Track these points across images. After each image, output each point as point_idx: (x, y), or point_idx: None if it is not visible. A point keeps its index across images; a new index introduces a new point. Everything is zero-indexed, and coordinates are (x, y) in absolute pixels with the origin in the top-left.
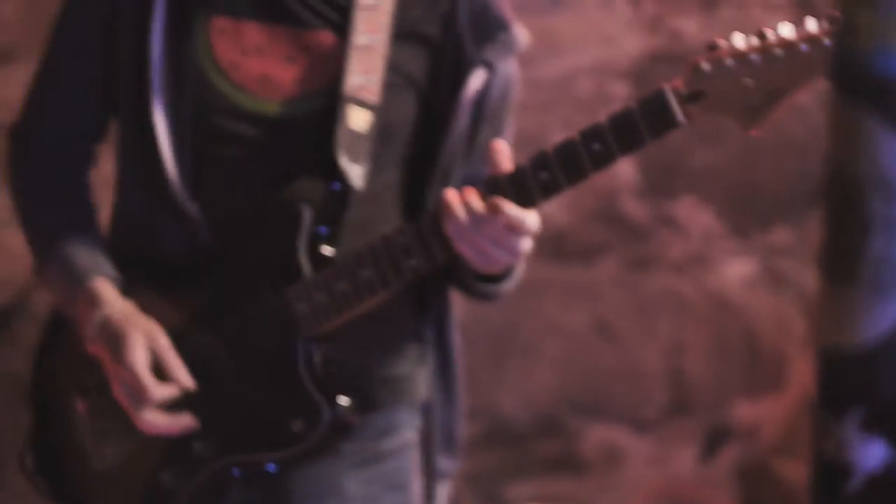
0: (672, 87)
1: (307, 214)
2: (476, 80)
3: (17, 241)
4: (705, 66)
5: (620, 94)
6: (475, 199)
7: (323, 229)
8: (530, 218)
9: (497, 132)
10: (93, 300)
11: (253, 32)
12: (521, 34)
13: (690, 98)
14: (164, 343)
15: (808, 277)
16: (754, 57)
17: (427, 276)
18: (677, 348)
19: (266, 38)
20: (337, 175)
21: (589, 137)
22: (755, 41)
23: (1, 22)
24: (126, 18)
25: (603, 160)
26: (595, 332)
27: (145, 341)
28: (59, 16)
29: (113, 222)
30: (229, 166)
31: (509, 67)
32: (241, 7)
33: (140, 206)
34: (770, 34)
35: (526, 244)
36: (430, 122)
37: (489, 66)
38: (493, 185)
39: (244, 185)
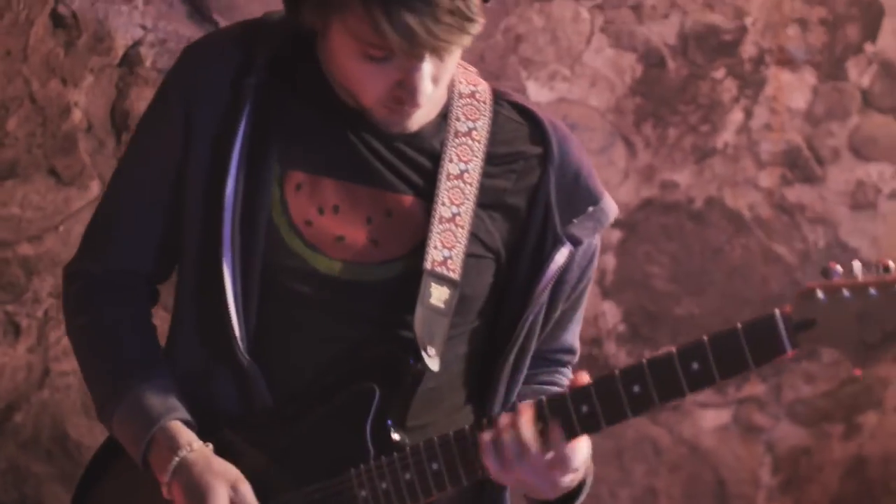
0: (782, 313)
1: (377, 396)
2: (561, 257)
3: (6, 357)
4: (820, 294)
5: (612, 241)
6: (526, 426)
7: (391, 412)
8: (579, 455)
9: (574, 306)
10: (170, 443)
11: (331, 190)
12: (611, 206)
13: (800, 326)
14: (246, 490)
15: (779, 430)
16: (873, 292)
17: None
18: (651, 493)
19: (344, 197)
20: (412, 352)
21: (688, 356)
22: (876, 275)
23: (5, 136)
24: (199, 167)
25: (700, 383)
26: None
27: (228, 491)
28: (126, 157)
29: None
30: (296, 328)
31: (592, 243)
32: (320, 163)
33: (197, 357)
34: (893, 268)
35: (568, 480)
36: (509, 295)
37: (575, 243)
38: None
39: (311, 349)
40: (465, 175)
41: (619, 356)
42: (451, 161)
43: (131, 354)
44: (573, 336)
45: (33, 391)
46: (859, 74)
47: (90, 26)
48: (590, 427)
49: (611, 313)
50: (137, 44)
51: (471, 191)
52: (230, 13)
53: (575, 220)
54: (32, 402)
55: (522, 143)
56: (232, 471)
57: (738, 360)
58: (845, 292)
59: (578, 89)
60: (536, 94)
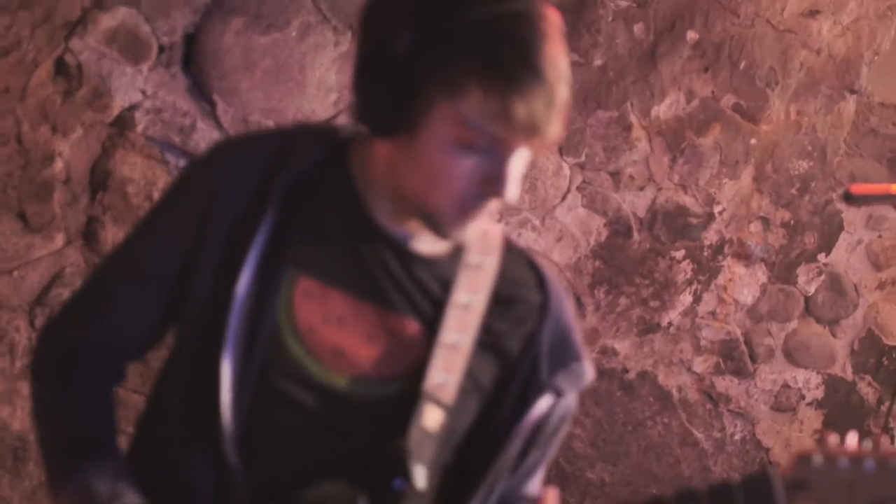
0: (776, 472)
1: None
2: (543, 404)
3: None
4: (817, 458)
5: None
6: None
7: None
8: None
9: (543, 456)
10: None
11: (338, 302)
12: (590, 370)
13: (793, 486)
14: None
15: None
16: (869, 463)
17: None
18: None
19: (350, 311)
20: (400, 472)
21: (684, 500)
22: (872, 446)
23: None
24: (211, 261)
25: None
26: None
27: None
28: (136, 233)
29: (136, 447)
30: (285, 432)
31: (570, 399)
32: (332, 274)
33: (178, 443)
34: (887, 442)
35: None
36: (487, 434)
37: (558, 394)
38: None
39: (297, 454)
40: (471, 307)
41: None
42: (460, 291)
43: (89, 434)
44: (536, 484)
45: None
46: (807, 282)
47: (92, 80)
48: None
49: None
50: (134, 107)
51: (474, 322)
52: (229, 96)
53: (559, 373)
54: None
55: (526, 289)
56: None
57: None
58: (842, 460)
59: (545, 241)
60: None
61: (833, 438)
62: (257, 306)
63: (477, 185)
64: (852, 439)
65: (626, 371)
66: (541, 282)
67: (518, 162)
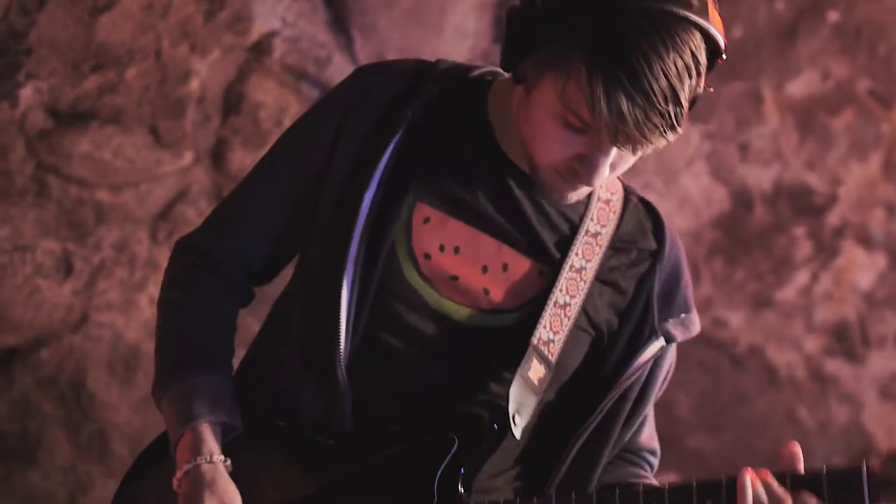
0: (869, 469)
1: (455, 449)
2: (653, 349)
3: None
4: None
5: None
6: (776, 485)
7: (463, 469)
8: None
9: (653, 405)
10: (194, 446)
11: (457, 231)
12: (697, 322)
13: (882, 483)
14: None
15: None
16: None
17: None
18: None
19: (468, 240)
20: (499, 418)
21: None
22: None
23: (120, 83)
24: (338, 179)
25: None
26: None
27: None
28: (272, 151)
29: (249, 364)
30: (396, 357)
31: (674, 351)
32: (454, 203)
33: (293, 364)
34: None
35: None
36: (595, 376)
37: (668, 340)
38: (796, 481)
39: (405, 384)
40: (583, 272)
41: None
42: (576, 255)
43: (203, 346)
44: (653, 438)
45: (66, 333)
46: None
47: (235, 3)
48: None
49: None
50: (273, 34)
51: (584, 287)
52: (368, 32)
53: (670, 320)
54: (63, 342)
55: (643, 234)
56: (231, 496)
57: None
58: None
59: (666, 207)
60: None
61: None
62: (378, 228)
63: (572, 161)
64: None
65: (735, 343)
66: (658, 229)
67: (613, 157)
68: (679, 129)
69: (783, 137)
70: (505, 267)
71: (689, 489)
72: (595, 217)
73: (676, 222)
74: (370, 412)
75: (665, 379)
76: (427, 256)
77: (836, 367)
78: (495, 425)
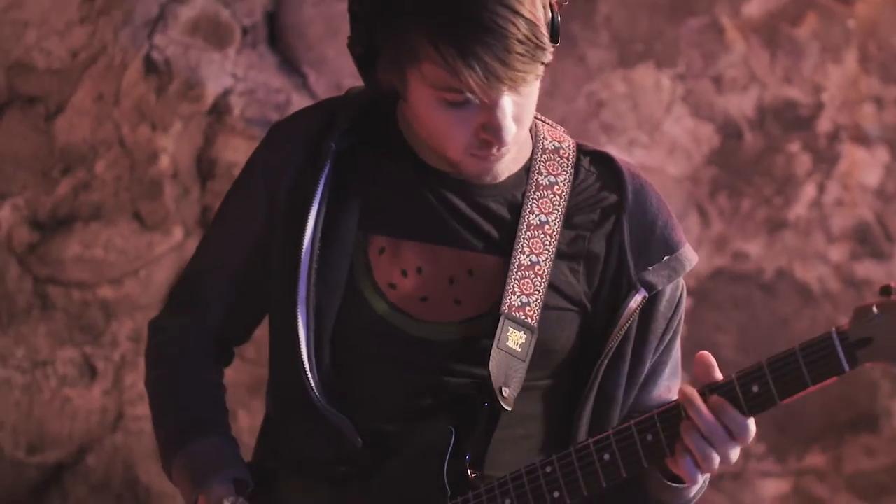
0: (838, 331)
1: (453, 437)
2: (634, 303)
3: (81, 398)
4: (875, 311)
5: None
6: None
7: (468, 454)
8: (751, 425)
9: (664, 359)
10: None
11: (413, 252)
12: (689, 256)
13: (857, 344)
14: None
15: (838, 502)
16: None
17: None
18: None
19: (427, 258)
20: (486, 394)
21: (747, 378)
22: None
23: (93, 179)
24: (280, 230)
25: (761, 405)
26: None
27: None
28: (214, 223)
29: (266, 420)
30: (373, 379)
31: (673, 286)
32: (402, 226)
33: (287, 410)
34: None
35: (736, 454)
36: (589, 344)
37: (650, 289)
38: (713, 390)
39: (389, 397)
40: (546, 227)
41: None
42: (531, 212)
43: (189, 414)
44: (668, 391)
45: (107, 434)
46: None
47: (182, 73)
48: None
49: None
50: (227, 92)
51: (551, 242)
52: (319, 66)
53: (650, 268)
54: (105, 445)
55: (600, 190)
56: None
57: (796, 381)
58: None
59: (657, 157)
60: None
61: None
62: (327, 265)
63: (476, 135)
64: None
65: (761, 272)
66: (617, 180)
67: (508, 107)
68: (548, 47)
69: (753, 60)
70: (470, 272)
71: (630, 428)
72: (543, 169)
73: (670, 170)
74: (370, 428)
75: (669, 329)
76: (392, 286)
77: (866, 269)
78: (485, 403)
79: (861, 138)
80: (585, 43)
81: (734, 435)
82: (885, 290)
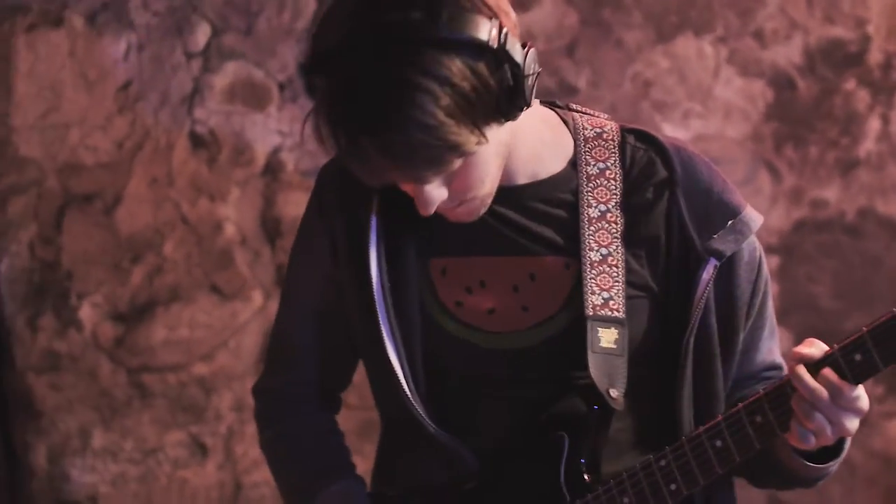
0: None
1: (566, 444)
2: (707, 274)
3: (197, 478)
4: None
5: (772, 268)
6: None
7: (584, 458)
8: (862, 394)
9: (760, 322)
10: None
11: (474, 267)
12: (753, 216)
13: None
14: None
15: None
16: None
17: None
18: None
19: (488, 270)
20: (594, 398)
21: (848, 349)
22: None
23: (164, 262)
24: (348, 272)
25: (865, 373)
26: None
27: None
28: (287, 278)
29: (379, 452)
30: (473, 400)
31: (749, 249)
32: (458, 244)
33: (401, 444)
34: None
35: (855, 424)
36: (674, 326)
37: (720, 256)
38: (818, 364)
39: (494, 416)
40: (608, 215)
41: None
42: (588, 206)
43: (311, 465)
44: (770, 353)
45: None
46: None
47: (228, 140)
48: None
49: (783, 338)
50: (277, 150)
51: (617, 229)
52: None
53: (715, 236)
54: None
55: (653, 171)
56: None
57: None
58: None
59: (714, 123)
60: (673, 134)
61: None
62: (400, 298)
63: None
64: None
65: (843, 215)
66: (663, 156)
67: (427, 188)
68: (433, 152)
69: (790, 7)
70: (532, 277)
71: (738, 413)
72: (590, 159)
73: (730, 133)
74: (484, 448)
75: (757, 292)
76: (459, 304)
77: None
78: (595, 406)
79: None
80: (620, 26)
81: (846, 405)
82: None
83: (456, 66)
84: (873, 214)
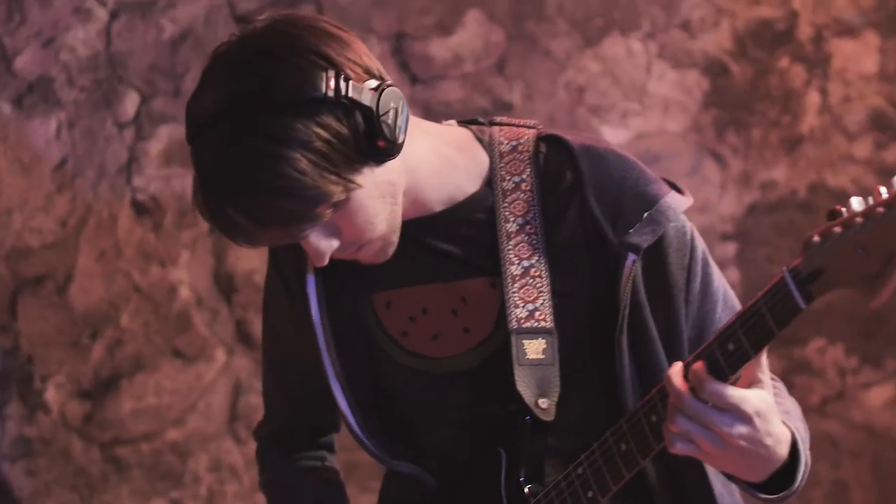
0: (791, 269)
1: (504, 459)
2: (625, 269)
3: None
4: (816, 239)
5: (730, 255)
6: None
7: (522, 470)
8: (752, 395)
9: (706, 303)
10: None
11: (415, 297)
12: (672, 202)
13: (808, 279)
14: None
15: None
16: (858, 221)
17: None
18: (841, 486)
19: (428, 298)
20: (525, 410)
21: (724, 338)
22: (865, 205)
23: (122, 333)
24: (297, 318)
25: (737, 362)
26: None
27: None
28: (263, 332)
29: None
30: (428, 425)
31: (678, 234)
32: (397, 277)
33: (385, 471)
34: (876, 194)
35: (744, 430)
36: (604, 327)
37: (636, 250)
38: (697, 356)
39: (445, 438)
40: (527, 227)
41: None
42: (506, 221)
43: (310, 501)
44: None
45: None
46: None
47: (171, 204)
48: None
49: None
50: None
51: (537, 239)
52: None
53: (631, 230)
54: None
55: (559, 172)
56: None
57: (764, 331)
58: (836, 230)
59: (653, 120)
60: (613, 136)
61: (842, 210)
62: (341, 333)
63: None
64: (853, 203)
65: (794, 192)
66: (570, 156)
67: (315, 237)
68: (292, 216)
69: None
70: (464, 300)
71: (637, 413)
72: (505, 174)
73: (671, 127)
74: (441, 472)
75: (694, 276)
76: (405, 334)
77: (894, 154)
78: (527, 417)
79: (845, 31)
80: (546, 37)
81: (719, 404)
82: (831, 215)
83: (301, 126)
84: (824, 188)
